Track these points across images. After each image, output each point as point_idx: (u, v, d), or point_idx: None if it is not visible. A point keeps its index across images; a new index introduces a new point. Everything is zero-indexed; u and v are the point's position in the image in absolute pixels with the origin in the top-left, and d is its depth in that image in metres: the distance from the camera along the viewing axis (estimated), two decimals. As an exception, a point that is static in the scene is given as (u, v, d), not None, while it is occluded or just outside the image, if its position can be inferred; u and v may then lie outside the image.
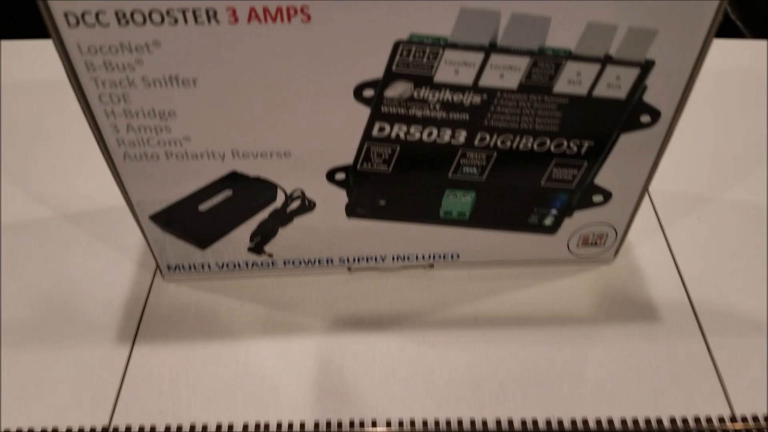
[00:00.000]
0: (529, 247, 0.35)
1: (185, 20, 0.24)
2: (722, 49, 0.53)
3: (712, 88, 0.49)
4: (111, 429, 0.29)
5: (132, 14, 0.24)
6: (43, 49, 0.52)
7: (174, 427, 0.29)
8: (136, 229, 0.36)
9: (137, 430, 0.29)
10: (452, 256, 0.35)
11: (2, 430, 0.29)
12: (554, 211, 0.33)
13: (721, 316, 0.35)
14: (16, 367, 0.32)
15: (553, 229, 0.34)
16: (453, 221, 0.33)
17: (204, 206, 0.31)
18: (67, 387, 0.31)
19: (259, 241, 0.33)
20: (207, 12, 0.24)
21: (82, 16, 0.24)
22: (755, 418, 0.30)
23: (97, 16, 0.24)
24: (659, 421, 0.30)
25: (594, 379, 0.32)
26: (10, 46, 0.52)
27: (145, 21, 0.24)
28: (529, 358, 0.33)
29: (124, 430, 0.29)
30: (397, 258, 0.35)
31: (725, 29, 0.86)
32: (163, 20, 0.24)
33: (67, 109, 0.46)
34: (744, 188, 0.42)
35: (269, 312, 0.34)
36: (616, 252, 0.36)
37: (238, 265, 0.35)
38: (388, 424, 0.30)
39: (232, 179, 0.30)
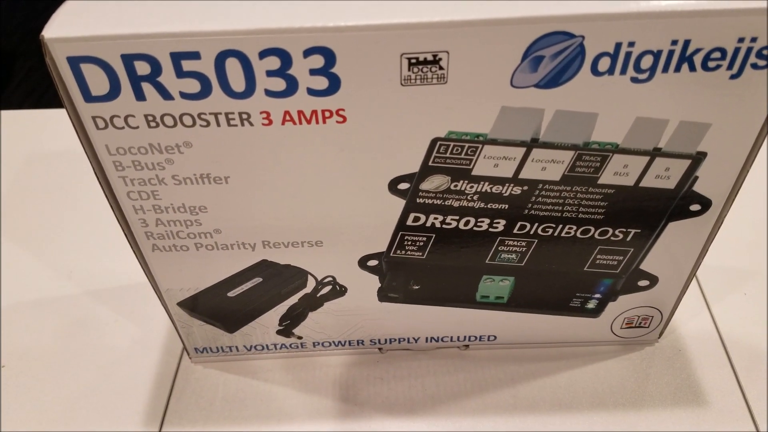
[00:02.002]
0: (571, 329, 0.34)
1: (218, 123, 0.23)
2: None
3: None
4: None
5: (162, 118, 0.23)
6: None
7: None
8: (161, 308, 0.35)
9: None
10: (489, 338, 0.34)
11: None
12: (598, 296, 0.31)
13: (775, 403, 0.33)
14: (41, 453, 0.31)
15: (596, 313, 0.33)
16: (490, 305, 0.32)
17: (233, 293, 0.30)
18: (93, 477, 0.30)
19: (289, 324, 0.32)
20: (240, 115, 0.23)
21: (111, 119, 0.23)
22: None
23: (126, 119, 0.23)
24: None
25: (641, 475, 0.30)
26: (37, 115, 0.52)
27: (175, 124, 0.23)
28: (570, 451, 0.31)
29: None
30: (431, 339, 0.34)
31: None
32: (194, 123, 0.23)
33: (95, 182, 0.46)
34: (794, 256, 0.40)
35: (297, 395, 0.33)
36: (661, 333, 0.34)
37: (267, 347, 0.34)
38: None
39: (262, 267, 0.29)
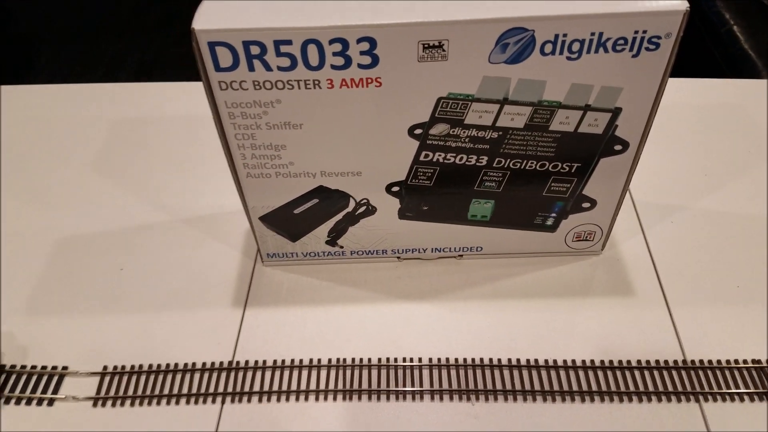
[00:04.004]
0: (536, 242, 0.46)
1: (299, 87, 0.36)
2: (702, 86, 0.63)
3: (695, 118, 0.60)
4: (234, 362, 0.41)
5: (264, 83, 0.36)
6: (183, 90, 0.65)
7: (279, 362, 0.41)
8: (239, 229, 0.48)
9: (252, 363, 0.41)
10: (477, 249, 0.47)
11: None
12: (553, 215, 0.44)
13: (683, 292, 0.45)
14: (165, 324, 0.44)
15: (553, 228, 0.45)
16: (477, 222, 0.45)
17: (297, 210, 0.43)
18: (201, 336, 0.43)
19: (334, 236, 0.45)
20: (314, 82, 0.36)
21: (230, 83, 0.36)
22: (701, 361, 0.41)
23: (240, 83, 0.36)
24: (628, 361, 0.41)
25: (581, 334, 0.43)
26: (163, 87, 0.65)
27: (272, 87, 0.36)
28: (533, 320, 0.44)
29: (243, 363, 0.41)
30: (435, 250, 0.47)
31: (733, 61, 0.95)
32: (284, 87, 0.36)
33: (195, 140, 0.59)
34: (714, 199, 0.52)
35: (339, 287, 0.46)
36: (603, 246, 0.47)
37: (318, 254, 0.47)
38: (429, 359, 0.41)
39: (319, 191, 0.42)
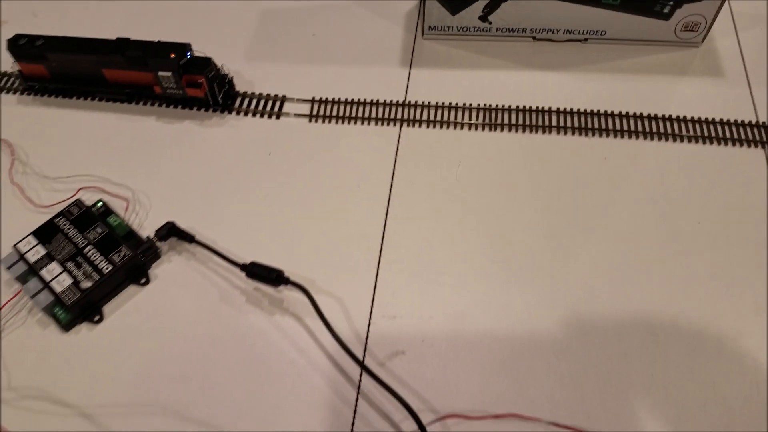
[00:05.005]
0: (651, 30, 0.57)
1: None
2: None
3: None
4: (406, 101, 0.55)
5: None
6: None
7: (440, 103, 0.55)
8: (400, 11, 0.60)
9: (420, 102, 0.55)
10: (601, 32, 0.58)
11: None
12: (671, 2, 0.54)
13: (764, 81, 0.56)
14: (351, 72, 0.58)
15: (668, 16, 0.55)
16: (609, 5, 0.55)
17: (463, -14, 0.54)
18: (379, 83, 0.57)
19: (488, 11, 0.57)
20: None
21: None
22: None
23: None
24: (713, 119, 0.53)
25: (678, 100, 0.55)
26: None
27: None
28: (639, 90, 0.56)
29: (413, 101, 0.55)
30: (566, 31, 0.58)
31: None
32: None
33: None
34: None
35: (485, 58, 0.59)
36: (704, 38, 0.57)
37: (470, 29, 0.59)
38: (557, 108, 0.54)
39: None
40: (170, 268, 0.48)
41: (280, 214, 0.50)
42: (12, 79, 0.59)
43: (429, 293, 0.46)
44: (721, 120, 0.53)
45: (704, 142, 0.52)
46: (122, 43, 0.52)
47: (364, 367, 0.41)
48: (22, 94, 0.58)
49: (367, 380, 0.42)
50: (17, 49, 0.54)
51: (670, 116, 0.54)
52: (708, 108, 0.54)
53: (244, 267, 0.45)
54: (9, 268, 0.46)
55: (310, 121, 0.55)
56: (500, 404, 0.41)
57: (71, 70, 0.55)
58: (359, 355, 0.43)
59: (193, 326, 0.45)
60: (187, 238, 0.48)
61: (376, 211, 0.50)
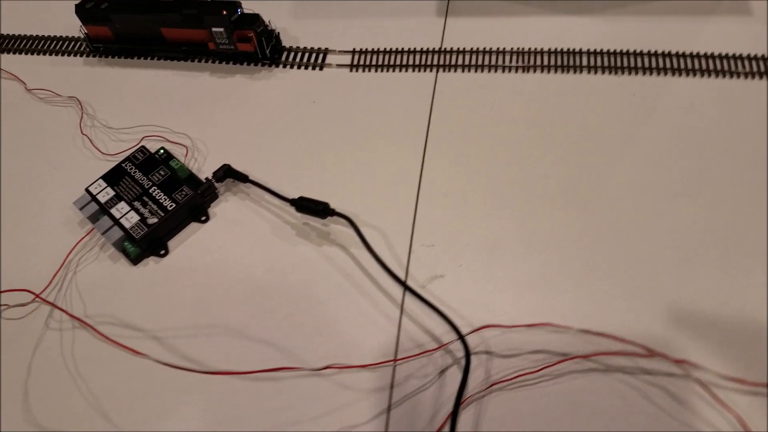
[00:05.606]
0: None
1: None
2: None
3: None
4: (442, 48, 0.58)
5: None
6: None
7: (474, 48, 0.58)
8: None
9: (455, 49, 0.58)
10: (631, -25, 0.59)
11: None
12: (701, -59, 0.55)
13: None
14: (384, 25, 0.61)
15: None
16: (636, -51, 0.56)
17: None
18: (414, 33, 0.60)
19: (519, -40, 0.59)
20: None
21: None
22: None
23: None
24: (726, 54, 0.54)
25: (704, 37, 0.56)
26: None
27: None
28: (664, 27, 0.57)
29: (448, 48, 0.58)
30: (597, -24, 0.59)
31: None
32: None
33: None
34: None
35: (516, 5, 0.61)
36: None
37: (503, -23, 0.61)
38: (588, 49, 0.56)
39: None
40: (227, 207, 0.52)
41: (324, 157, 0.54)
42: (79, 43, 0.64)
43: (464, 223, 0.49)
44: (749, 55, 0.54)
45: (731, 77, 0.53)
46: (179, 3, 0.57)
47: (406, 287, 0.45)
48: (88, 56, 0.64)
49: (409, 301, 0.45)
50: (84, 12, 0.59)
51: (698, 53, 0.55)
52: (735, 45, 0.55)
53: (293, 201, 0.49)
54: (82, 208, 0.52)
55: (351, 70, 0.59)
56: (534, 318, 0.43)
57: (132, 30, 0.60)
58: (401, 278, 0.46)
59: (248, 257, 0.49)
60: (242, 178, 0.52)
61: (415, 149, 0.53)
